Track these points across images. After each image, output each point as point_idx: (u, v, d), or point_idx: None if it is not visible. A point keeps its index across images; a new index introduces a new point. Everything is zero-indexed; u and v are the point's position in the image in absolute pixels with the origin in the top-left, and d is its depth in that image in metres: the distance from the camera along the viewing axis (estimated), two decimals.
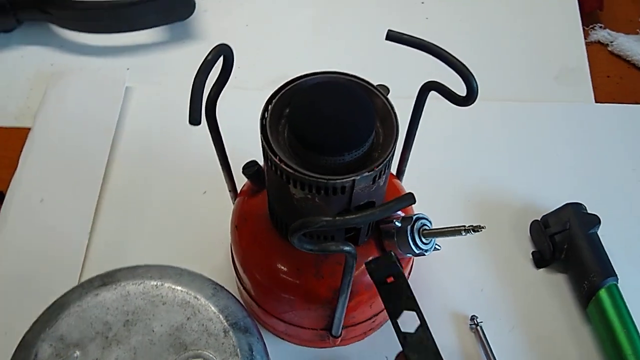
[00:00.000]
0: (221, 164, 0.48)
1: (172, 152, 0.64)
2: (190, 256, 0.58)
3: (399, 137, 0.41)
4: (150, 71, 0.70)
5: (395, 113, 0.40)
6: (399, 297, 0.43)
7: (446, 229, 0.42)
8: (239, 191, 0.52)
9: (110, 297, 0.47)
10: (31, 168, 0.63)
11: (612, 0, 0.77)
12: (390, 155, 0.39)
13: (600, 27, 0.75)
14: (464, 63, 0.40)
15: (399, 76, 0.66)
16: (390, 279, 0.43)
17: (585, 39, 0.74)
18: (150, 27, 0.70)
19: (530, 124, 0.67)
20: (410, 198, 0.35)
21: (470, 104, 0.41)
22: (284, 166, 0.38)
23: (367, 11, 0.76)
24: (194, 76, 0.39)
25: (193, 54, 0.71)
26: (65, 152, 0.64)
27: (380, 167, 0.38)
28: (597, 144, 0.66)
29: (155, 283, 0.47)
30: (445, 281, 0.58)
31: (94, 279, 0.48)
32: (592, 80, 0.71)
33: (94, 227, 0.60)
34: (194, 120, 0.37)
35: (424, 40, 0.41)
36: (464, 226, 0.41)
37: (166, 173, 0.63)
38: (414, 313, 0.42)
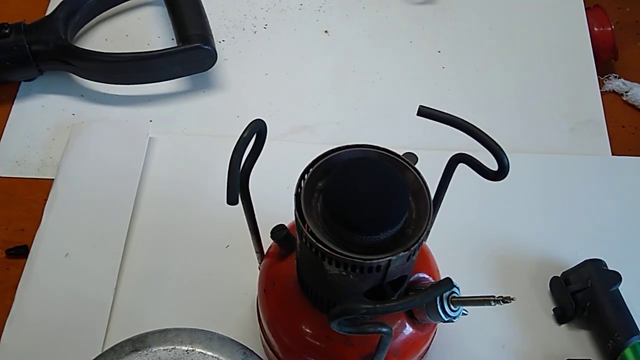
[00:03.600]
0: (250, 230, 0.49)
1: (195, 204, 0.65)
2: (214, 312, 0.59)
3: None
4: (172, 121, 0.71)
5: (427, 189, 0.41)
6: None
7: (476, 298, 0.43)
8: (265, 252, 0.53)
9: None
10: (55, 221, 0.63)
11: (625, 50, 0.77)
12: (425, 233, 0.40)
13: (615, 76, 0.76)
14: (495, 140, 0.41)
15: (419, 125, 0.66)
16: None
17: (600, 88, 0.75)
18: (173, 78, 0.71)
19: (547, 177, 0.68)
20: (448, 283, 0.36)
21: (502, 179, 0.41)
22: (320, 246, 0.39)
23: (385, 59, 0.77)
24: (230, 153, 0.39)
25: (214, 103, 0.72)
26: (90, 204, 0.64)
27: (415, 245, 0.39)
28: (615, 198, 0.66)
29: (186, 348, 0.48)
30: (466, 339, 0.58)
31: (125, 344, 0.49)
32: (607, 131, 0.72)
33: (119, 283, 0.60)
34: (232, 200, 0.38)
35: (455, 117, 0.41)
36: (494, 296, 0.41)
37: (189, 226, 0.64)
38: None
